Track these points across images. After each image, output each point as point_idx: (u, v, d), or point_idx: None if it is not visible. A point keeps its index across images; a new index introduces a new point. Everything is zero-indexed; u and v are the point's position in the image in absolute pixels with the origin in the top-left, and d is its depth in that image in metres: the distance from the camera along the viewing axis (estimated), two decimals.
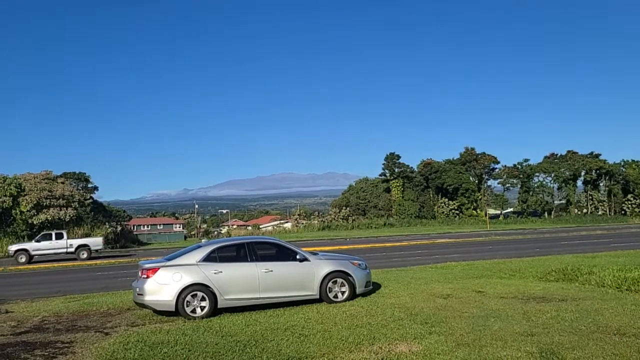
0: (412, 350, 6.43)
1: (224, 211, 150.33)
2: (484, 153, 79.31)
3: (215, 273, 9.52)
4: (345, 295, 10.20)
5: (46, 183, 50.46)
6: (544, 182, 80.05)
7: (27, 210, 46.79)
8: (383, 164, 76.62)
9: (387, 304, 9.67)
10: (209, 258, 9.75)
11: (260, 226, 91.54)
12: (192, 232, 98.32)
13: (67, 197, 50.18)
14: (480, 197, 78.73)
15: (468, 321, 7.88)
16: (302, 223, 75.37)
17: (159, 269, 9.54)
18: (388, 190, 77.36)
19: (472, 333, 7.12)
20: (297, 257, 10.14)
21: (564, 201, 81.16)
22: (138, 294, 9.57)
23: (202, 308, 9.35)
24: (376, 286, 11.73)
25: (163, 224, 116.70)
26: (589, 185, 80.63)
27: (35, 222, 46.53)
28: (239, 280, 9.65)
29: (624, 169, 79.92)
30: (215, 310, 9.46)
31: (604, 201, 79.48)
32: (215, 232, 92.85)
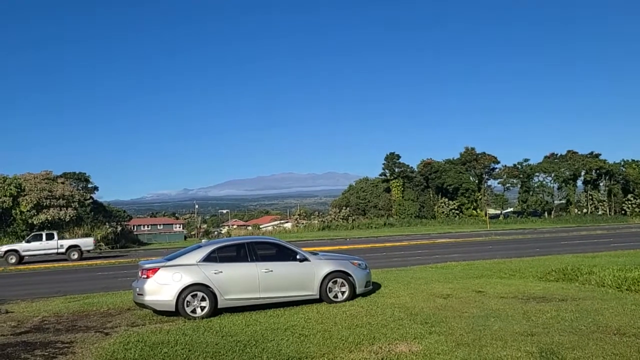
0: (412, 350, 6.43)
1: (224, 211, 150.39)
2: (484, 153, 79.44)
3: (215, 273, 9.53)
4: (345, 295, 10.20)
5: (46, 183, 50.54)
6: (544, 182, 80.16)
7: (27, 211, 46.87)
8: (383, 163, 76.79)
9: (387, 303, 9.67)
10: (209, 258, 9.75)
11: (261, 226, 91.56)
12: (192, 232, 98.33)
13: (67, 197, 50.26)
14: (480, 197, 78.79)
15: (468, 321, 7.89)
16: (302, 223, 75.42)
17: (159, 269, 9.54)
18: (388, 190, 77.41)
19: (472, 333, 7.12)
20: (297, 257, 10.15)
21: (564, 201, 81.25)
22: (138, 294, 9.58)
23: (202, 308, 9.35)
24: (376, 286, 11.73)
25: (163, 224, 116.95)
26: (589, 185, 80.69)
27: (35, 222, 46.58)
28: (239, 280, 9.65)
29: (624, 169, 79.99)
30: (216, 310, 9.46)
31: (604, 201, 79.54)
32: (216, 232, 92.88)
